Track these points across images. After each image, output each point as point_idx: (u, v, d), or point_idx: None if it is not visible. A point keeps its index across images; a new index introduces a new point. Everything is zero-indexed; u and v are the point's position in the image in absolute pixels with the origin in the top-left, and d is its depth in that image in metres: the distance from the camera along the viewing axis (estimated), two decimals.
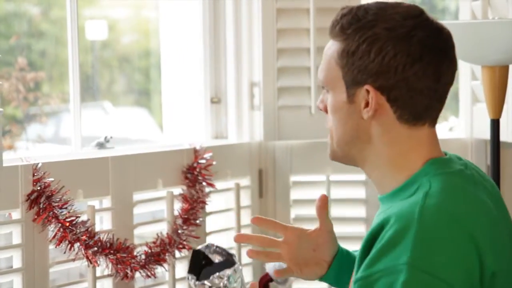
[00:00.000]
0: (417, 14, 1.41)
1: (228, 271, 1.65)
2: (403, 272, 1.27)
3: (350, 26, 1.39)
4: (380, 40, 1.37)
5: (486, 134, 2.37)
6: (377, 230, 1.34)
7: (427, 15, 1.42)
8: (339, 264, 1.56)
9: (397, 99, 1.39)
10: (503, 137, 2.39)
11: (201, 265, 1.64)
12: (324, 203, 1.53)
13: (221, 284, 1.64)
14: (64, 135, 5.89)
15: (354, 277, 1.36)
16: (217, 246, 1.67)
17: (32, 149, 5.39)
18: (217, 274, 1.64)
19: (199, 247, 1.67)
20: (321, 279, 1.57)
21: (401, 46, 1.38)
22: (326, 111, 1.46)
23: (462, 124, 2.65)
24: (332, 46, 1.43)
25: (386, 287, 1.28)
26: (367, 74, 1.38)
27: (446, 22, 2.45)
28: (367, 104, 1.39)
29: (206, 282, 1.63)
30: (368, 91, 1.39)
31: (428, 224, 1.30)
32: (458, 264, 1.29)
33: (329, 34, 1.43)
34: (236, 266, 1.67)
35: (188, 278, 1.65)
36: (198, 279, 1.63)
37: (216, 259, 1.65)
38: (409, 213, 1.32)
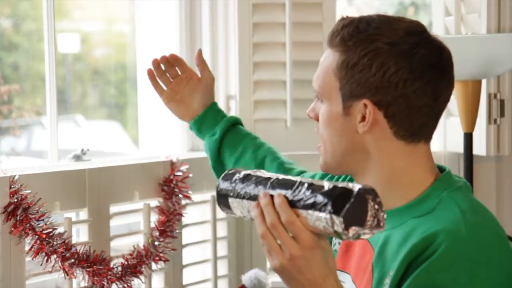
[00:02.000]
0: (420, 31, 1.39)
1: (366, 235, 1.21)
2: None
3: (351, 38, 1.37)
4: (382, 55, 1.36)
5: (460, 148, 2.41)
6: (421, 245, 1.32)
7: (429, 32, 1.41)
8: (204, 116, 1.87)
9: (395, 115, 1.37)
10: (476, 151, 2.43)
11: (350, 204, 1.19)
12: (199, 56, 1.90)
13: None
14: (36, 148, 5.86)
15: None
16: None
17: (6, 162, 5.35)
18: (364, 231, 1.20)
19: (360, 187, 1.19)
20: (190, 126, 1.91)
21: (403, 63, 1.36)
22: (316, 119, 1.45)
23: (435, 137, 2.68)
24: (330, 56, 1.40)
25: None
26: (366, 88, 1.36)
27: None
28: (363, 118, 1.38)
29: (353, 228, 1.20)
30: (365, 105, 1.37)
31: (480, 243, 1.32)
32: (509, 283, 1.32)
33: (327, 43, 1.41)
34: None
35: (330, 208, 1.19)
36: (344, 218, 1.19)
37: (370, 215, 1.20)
38: (456, 230, 1.32)
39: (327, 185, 1.22)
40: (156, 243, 2.22)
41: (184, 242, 2.35)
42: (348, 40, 1.38)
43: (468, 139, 2.31)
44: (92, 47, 7.38)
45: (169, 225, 2.25)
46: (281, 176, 1.29)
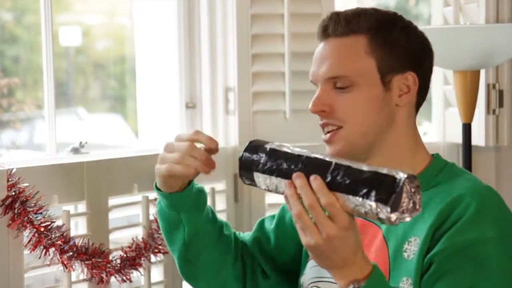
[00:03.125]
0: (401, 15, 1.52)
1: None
2: (491, 244, 1.38)
3: (378, 19, 1.46)
4: (406, 32, 1.47)
5: (458, 138, 2.40)
6: (448, 209, 1.40)
7: None
8: (190, 193, 1.50)
9: (422, 87, 1.49)
10: (474, 141, 2.42)
11: (394, 192, 1.22)
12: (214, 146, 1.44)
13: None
14: (38, 141, 5.86)
15: (420, 250, 1.40)
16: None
17: (6, 155, 5.35)
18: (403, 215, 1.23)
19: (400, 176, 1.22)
20: (166, 195, 1.49)
21: (419, 40, 1.49)
22: (329, 111, 1.46)
23: (434, 128, 2.68)
24: (352, 41, 1.45)
25: (477, 255, 1.37)
26: (408, 61, 1.46)
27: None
28: (402, 91, 1.46)
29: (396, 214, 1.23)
30: (408, 78, 1.46)
31: (498, 203, 1.43)
32: None
33: (339, 33, 1.46)
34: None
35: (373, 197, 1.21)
36: (390, 206, 1.21)
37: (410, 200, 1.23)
38: (478, 192, 1.43)
39: (366, 170, 1.24)
40: (155, 235, 2.22)
41: None
42: (375, 22, 1.46)
43: (467, 129, 2.30)
44: (93, 40, 7.37)
45: None
46: (312, 155, 1.30)
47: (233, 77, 2.54)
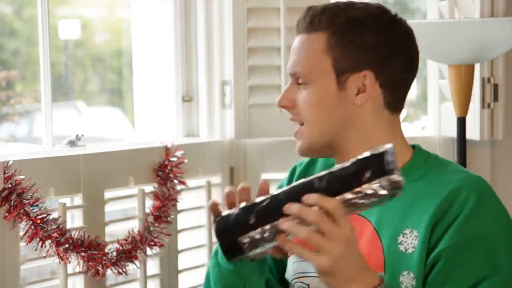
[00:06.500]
0: (386, 10, 1.50)
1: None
2: (499, 236, 1.40)
3: (338, 17, 1.45)
4: (373, 30, 1.46)
5: (454, 132, 2.41)
6: (447, 202, 1.41)
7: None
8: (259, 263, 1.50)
9: (387, 85, 1.47)
10: (469, 135, 2.43)
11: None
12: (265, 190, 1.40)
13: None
14: (37, 134, 5.87)
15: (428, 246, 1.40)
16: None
17: (5, 148, 5.36)
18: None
19: None
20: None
21: (390, 38, 1.47)
22: (292, 106, 1.51)
23: (430, 122, 2.69)
24: (313, 39, 1.46)
25: (485, 246, 1.38)
26: (365, 61, 1.45)
27: (413, 22, 2.49)
28: (359, 90, 1.46)
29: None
30: (365, 77, 1.45)
31: (492, 194, 1.44)
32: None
33: (305, 29, 1.47)
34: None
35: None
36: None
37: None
38: (473, 184, 1.43)
39: (349, 164, 1.26)
40: (151, 228, 2.23)
41: (179, 227, 2.36)
42: (334, 19, 1.45)
43: (462, 123, 2.31)
44: (92, 33, 7.37)
45: (164, 210, 2.26)
46: (279, 191, 1.28)
47: (229, 71, 2.55)
